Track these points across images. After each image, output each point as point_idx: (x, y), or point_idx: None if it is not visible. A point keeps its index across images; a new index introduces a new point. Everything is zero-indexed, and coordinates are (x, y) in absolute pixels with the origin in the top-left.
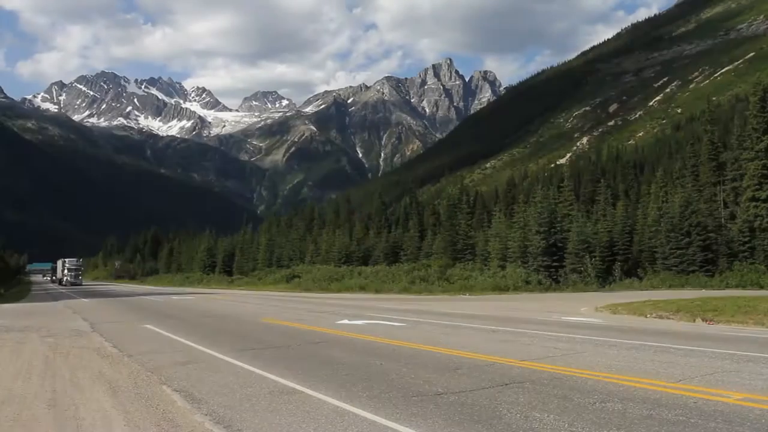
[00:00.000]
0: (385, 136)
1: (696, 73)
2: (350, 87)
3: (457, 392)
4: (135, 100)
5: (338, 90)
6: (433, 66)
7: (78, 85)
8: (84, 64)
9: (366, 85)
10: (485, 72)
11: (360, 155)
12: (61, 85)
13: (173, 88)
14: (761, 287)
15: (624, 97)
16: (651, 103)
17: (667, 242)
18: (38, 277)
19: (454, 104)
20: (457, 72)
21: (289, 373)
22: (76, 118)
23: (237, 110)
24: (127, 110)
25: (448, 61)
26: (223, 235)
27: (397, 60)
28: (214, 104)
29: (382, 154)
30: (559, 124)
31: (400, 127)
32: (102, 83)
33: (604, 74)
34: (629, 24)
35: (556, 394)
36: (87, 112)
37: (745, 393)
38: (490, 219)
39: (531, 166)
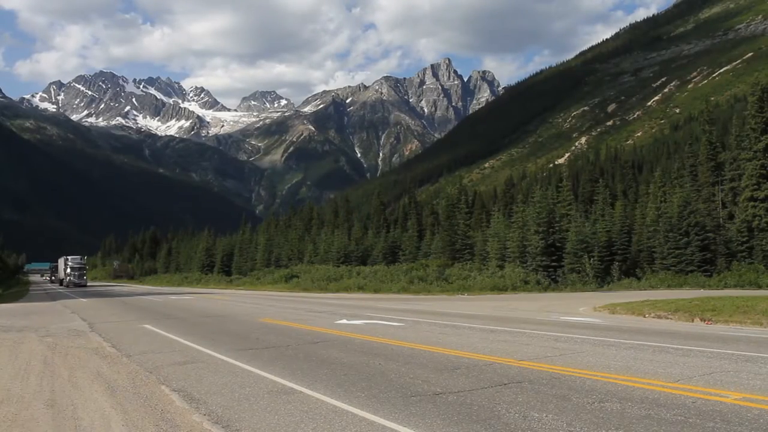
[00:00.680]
0: (384, 136)
1: (694, 73)
2: (349, 87)
3: (456, 392)
4: (133, 99)
5: (337, 90)
6: (432, 66)
7: (76, 85)
8: (82, 64)
9: (365, 85)
10: (484, 72)
11: (358, 155)
12: (60, 85)
13: (172, 88)
14: (759, 287)
15: (622, 97)
16: (649, 103)
17: (666, 242)
18: (36, 277)
19: (453, 104)
20: (455, 72)
21: (288, 372)
22: (74, 117)
23: (235, 110)
24: (126, 110)
25: (447, 61)
26: (221, 235)
27: (395, 60)
28: (213, 104)
29: (381, 154)
30: (557, 124)
31: (398, 127)
32: (100, 83)
33: (602, 74)
34: (628, 24)
35: (555, 393)
36: (85, 112)
37: (743, 393)
38: (489, 219)
39: (529, 166)
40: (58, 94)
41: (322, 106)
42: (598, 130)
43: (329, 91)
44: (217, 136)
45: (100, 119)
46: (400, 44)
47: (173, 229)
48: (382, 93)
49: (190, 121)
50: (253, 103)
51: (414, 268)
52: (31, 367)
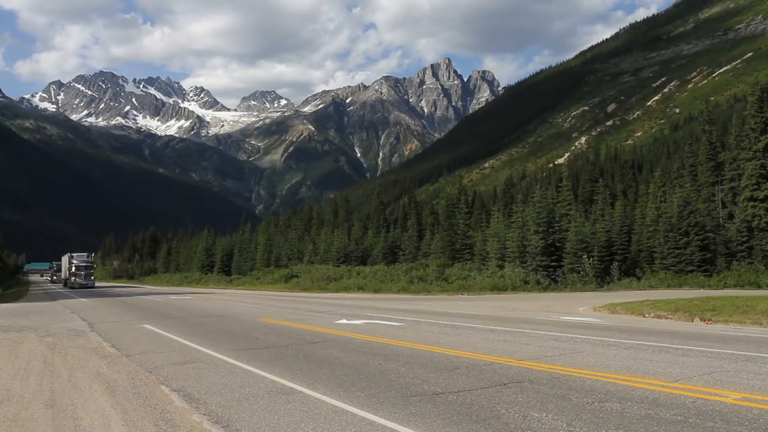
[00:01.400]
0: (384, 135)
1: (694, 73)
2: (349, 87)
3: (456, 392)
4: (133, 99)
5: (337, 90)
6: (432, 66)
7: (76, 85)
8: (82, 64)
9: (364, 85)
10: (484, 72)
11: (358, 155)
12: (60, 85)
13: (172, 88)
14: (759, 287)
15: (622, 97)
16: (649, 103)
17: (666, 242)
18: (36, 277)
19: (453, 104)
20: (455, 72)
21: (288, 372)
22: (74, 117)
23: (235, 110)
24: (126, 110)
25: (447, 61)
26: (221, 235)
27: (395, 60)
28: (213, 104)
29: (381, 154)
30: (557, 123)
31: (398, 127)
32: (100, 83)
33: (602, 74)
34: (628, 24)
35: (555, 393)
36: (85, 112)
37: (743, 393)
38: (489, 219)
39: (529, 166)
40: (58, 94)
41: (321, 106)
42: (598, 130)
43: (329, 91)
44: (216, 136)
45: (100, 119)
46: (400, 44)
47: (173, 229)
48: (381, 93)
49: (190, 121)
50: (253, 103)
51: (414, 268)
52: (30, 367)
